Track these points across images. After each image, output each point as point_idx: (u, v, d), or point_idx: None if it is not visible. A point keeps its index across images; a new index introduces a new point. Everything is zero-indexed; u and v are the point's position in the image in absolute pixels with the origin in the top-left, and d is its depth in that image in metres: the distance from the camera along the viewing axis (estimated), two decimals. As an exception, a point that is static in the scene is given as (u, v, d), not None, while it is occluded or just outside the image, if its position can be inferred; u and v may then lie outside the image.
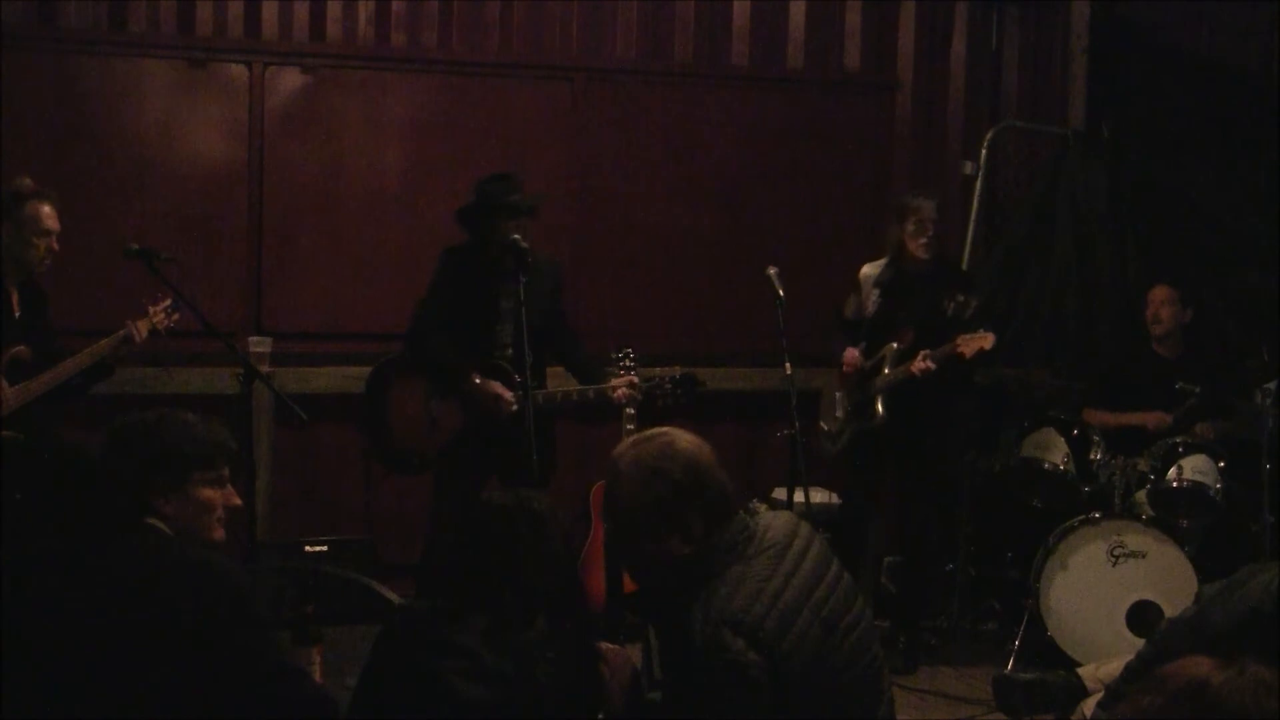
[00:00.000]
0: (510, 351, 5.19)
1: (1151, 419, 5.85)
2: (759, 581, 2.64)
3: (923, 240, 5.62)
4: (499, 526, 2.91)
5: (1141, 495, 5.60)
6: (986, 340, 5.35)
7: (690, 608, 2.62)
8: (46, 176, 5.14)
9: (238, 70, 6.17)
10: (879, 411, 5.57)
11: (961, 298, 5.39)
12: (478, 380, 5.14)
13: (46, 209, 4.91)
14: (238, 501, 2.96)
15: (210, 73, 6.15)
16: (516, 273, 4.91)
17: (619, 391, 5.19)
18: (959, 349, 5.36)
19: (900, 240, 5.66)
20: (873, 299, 5.76)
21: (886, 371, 5.59)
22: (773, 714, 2.56)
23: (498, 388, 5.12)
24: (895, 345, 5.60)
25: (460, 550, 2.96)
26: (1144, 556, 5.39)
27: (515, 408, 5.08)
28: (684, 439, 2.76)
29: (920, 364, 5.43)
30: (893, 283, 5.72)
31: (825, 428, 5.81)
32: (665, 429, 2.81)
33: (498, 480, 5.16)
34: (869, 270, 5.82)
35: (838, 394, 5.84)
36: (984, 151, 6.79)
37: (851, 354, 5.71)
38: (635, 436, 2.83)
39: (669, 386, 5.22)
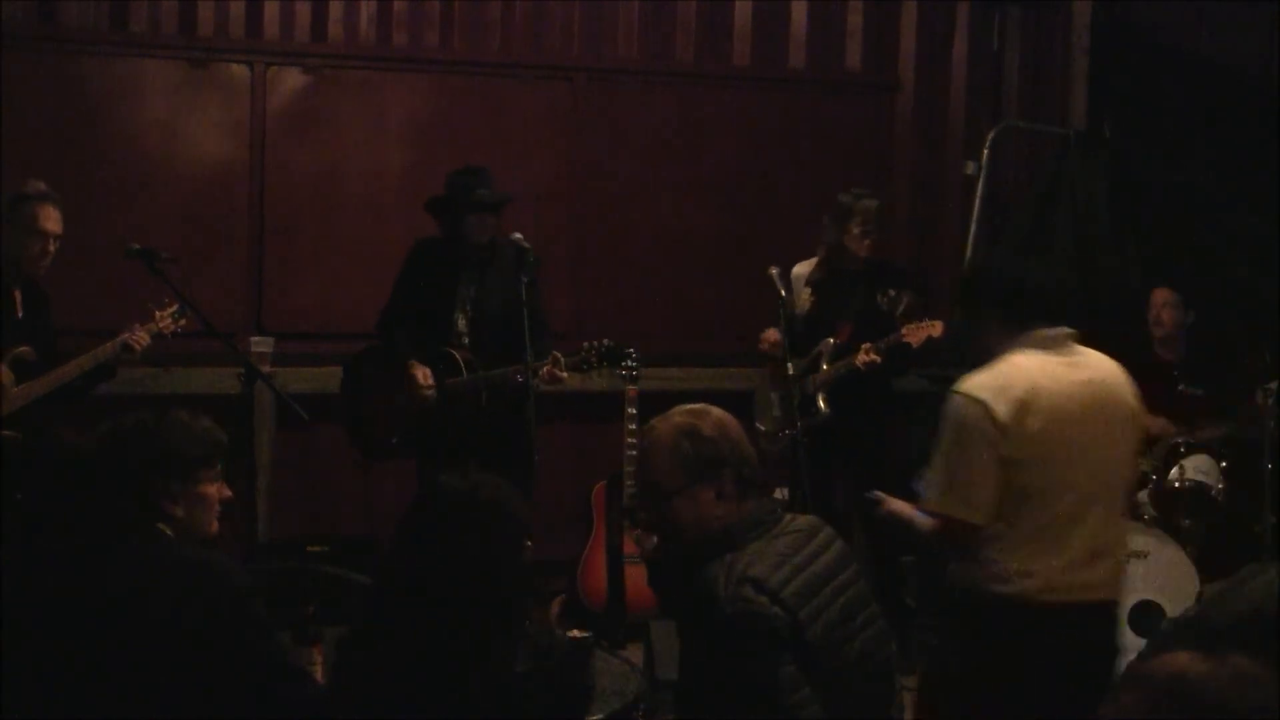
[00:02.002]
0: (467, 341, 5.26)
1: (1156, 425, 5.83)
2: (782, 555, 2.70)
3: (868, 241, 5.66)
4: (451, 520, 2.56)
5: (1143, 495, 5.58)
6: (935, 328, 5.35)
7: (713, 574, 2.65)
8: (47, 177, 5.13)
9: (239, 70, 6.17)
10: (822, 407, 5.54)
11: (893, 292, 5.40)
12: (409, 365, 5.22)
13: (46, 211, 4.91)
14: (229, 493, 2.97)
15: (211, 73, 6.15)
16: (518, 271, 4.98)
17: (545, 370, 5.15)
18: (905, 338, 5.37)
19: (839, 240, 5.68)
20: (805, 296, 5.77)
21: (825, 367, 5.58)
22: (798, 672, 2.58)
23: (420, 375, 5.17)
24: (832, 341, 5.60)
25: (410, 551, 2.59)
26: (1146, 557, 5.38)
27: (430, 396, 5.17)
28: (716, 410, 2.88)
29: (865, 357, 5.41)
30: (825, 282, 5.75)
31: (762, 428, 5.78)
32: (700, 405, 2.93)
33: (476, 467, 5.19)
34: (800, 270, 5.83)
35: (771, 394, 5.80)
36: (985, 152, 6.78)
37: (771, 333, 5.66)
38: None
39: (594, 358, 5.21)
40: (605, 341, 5.22)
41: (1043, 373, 3.33)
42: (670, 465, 2.77)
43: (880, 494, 3.57)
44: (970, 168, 6.86)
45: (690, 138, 6.67)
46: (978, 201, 6.75)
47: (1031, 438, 3.25)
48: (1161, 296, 6.02)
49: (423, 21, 6.43)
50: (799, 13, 6.85)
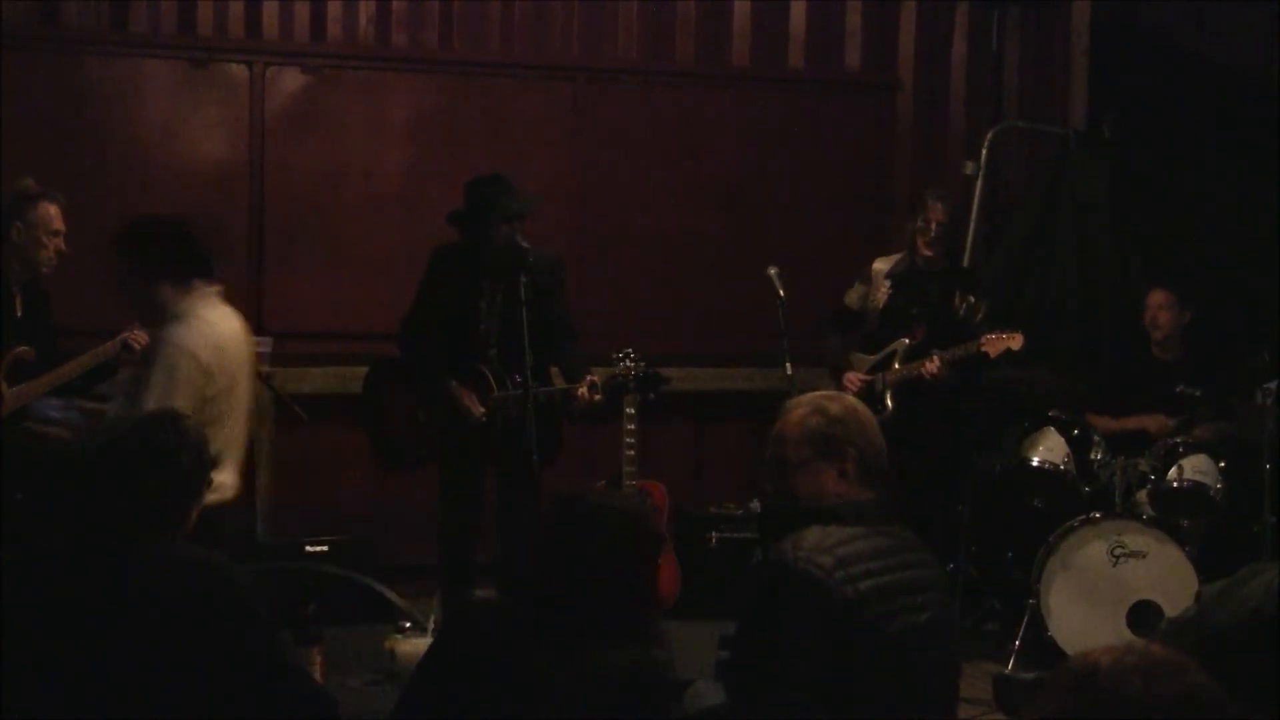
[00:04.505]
0: (494, 351, 5.19)
1: (1154, 423, 5.84)
2: (871, 549, 2.74)
3: (925, 239, 5.74)
4: (599, 535, 2.63)
5: (1142, 495, 5.58)
6: (1015, 340, 5.34)
7: (808, 534, 2.72)
8: (47, 176, 5.13)
9: (238, 70, 6.17)
10: (888, 405, 5.56)
11: (973, 299, 5.41)
12: (453, 384, 5.14)
13: (55, 209, 4.93)
14: None
15: (211, 73, 6.15)
16: (518, 272, 4.92)
17: (581, 390, 5.15)
18: (983, 348, 5.36)
19: (914, 236, 5.78)
20: (884, 290, 5.81)
21: (897, 366, 5.61)
22: (826, 649, 2.63)
23: (469, 400, 5.11)
24: (907, 341, 5.63)
25: (547, 554, 2.69)
26: (1145, 557, 5.39)
27: (483, 417, 5.08)
28: (850, 398, 3.04)
29: (930, 367, 5.44)
30: (905, 277, 5.81)
31: None
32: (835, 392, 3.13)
33: (496, 473, 5.19)
34: (880, 265, 5.90)
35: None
36: (985, 152, 6.78)
37: (852, 378, 5.72)
38: None
39: (632, 384, 5.21)
40: (638, 366, 5.20)
41: (223, 323, 4.14)
42: (798, 439, 2.86)
43: None
44: (970, 168, 6.86)
45: (690, 138, 6.67)
46: (977, 201, 6.74)
47: (226, 376, 4.04)
48: (1156, 298, 6.01)
49: (422, 21, 6.43)
50: (799, 13, 6.85)
